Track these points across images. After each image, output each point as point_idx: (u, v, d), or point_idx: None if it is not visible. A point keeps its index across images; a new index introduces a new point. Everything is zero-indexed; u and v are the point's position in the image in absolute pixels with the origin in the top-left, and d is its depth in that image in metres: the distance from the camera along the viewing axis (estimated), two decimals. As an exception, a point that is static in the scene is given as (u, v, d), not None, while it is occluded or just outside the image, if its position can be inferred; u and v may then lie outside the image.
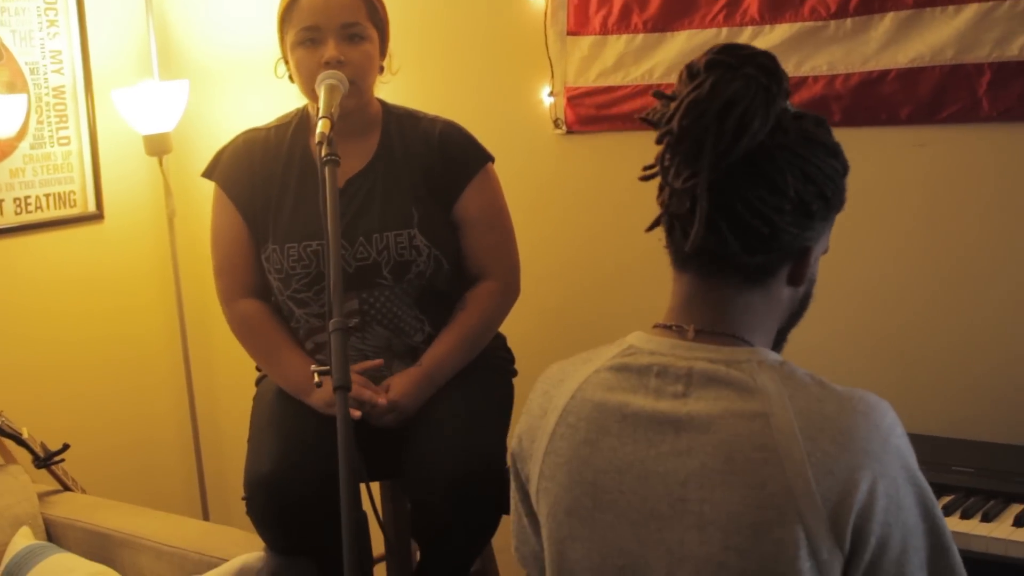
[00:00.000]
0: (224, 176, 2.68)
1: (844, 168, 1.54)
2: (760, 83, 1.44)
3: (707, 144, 1.44)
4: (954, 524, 2.24)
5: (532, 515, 1.67)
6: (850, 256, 2.78)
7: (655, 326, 1.59)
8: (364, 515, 2.59)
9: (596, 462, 1.54)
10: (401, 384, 2.55)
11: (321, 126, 2.27)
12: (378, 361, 2.54)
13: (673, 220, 1.52)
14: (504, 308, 2.72)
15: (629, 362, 1.56)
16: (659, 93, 1.53)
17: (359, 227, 2.56)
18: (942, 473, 2.40)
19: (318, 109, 2.41)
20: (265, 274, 2.66)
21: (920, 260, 2.75)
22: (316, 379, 2.32)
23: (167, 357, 3.90)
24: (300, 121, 2.68)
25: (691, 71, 1.49)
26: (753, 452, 1.42)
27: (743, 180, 1.46)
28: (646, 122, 1.55)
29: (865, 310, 2.81)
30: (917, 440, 2.42)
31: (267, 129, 2.71)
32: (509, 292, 2.73)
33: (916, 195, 2.72)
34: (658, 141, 1.51)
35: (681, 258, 1.55)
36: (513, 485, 1.72)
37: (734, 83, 1.44)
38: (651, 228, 1.59)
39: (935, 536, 1.46)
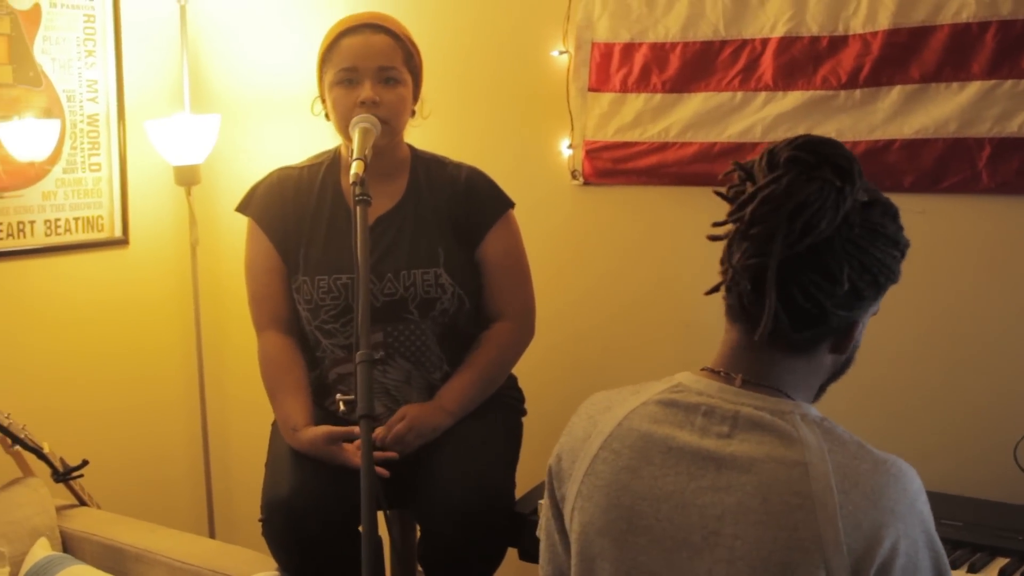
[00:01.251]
0: (258, 210, 2.79)
1: (902, 253, 1.63)
2: (834, 186, 1.51)
3: (777, 238, 1.52)
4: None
5: (563, 532, 1.75)
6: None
7: (703, 369, 1.68)
8: (380, 540, 2.68)
9: (636, 488, 1.62)
10: (413, 413, 2.65)
11: (355, 167, 2.37)
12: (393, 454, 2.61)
13: (732, 284, 1.60)
14: (519, 348, 2.83)
15: (678, 398, 1.65)
16: (739, 165, 1.61)
17: (387, 264, 2.67)
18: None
19: (351, 149, 2.53)
20: (295, 304, 2.77)
21: (914, 320, 2.84)
22: (341, 406, 2.44)
23: (182, 380, 3.98)
24: (332, 161, 2.79)
25: (772, 162, 1.56)
26: (790, 497, 1.50)
27: (801, 266, 1.54)
28: (722, 196, 1.63)
29: (872, 372, 2.86)
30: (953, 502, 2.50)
31: (300, 168, 2.82)
32: (524, 333, 2.83)
33: (916, 260, 2.80)
34: (732, 218, 1.58)
35: (734, 314, 1.64)
36: (547, 502, 1.79)
37: (810, 185, 1.51)
38: (710, 292, 1.66)
39: None
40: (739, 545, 1.52)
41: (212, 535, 3.91)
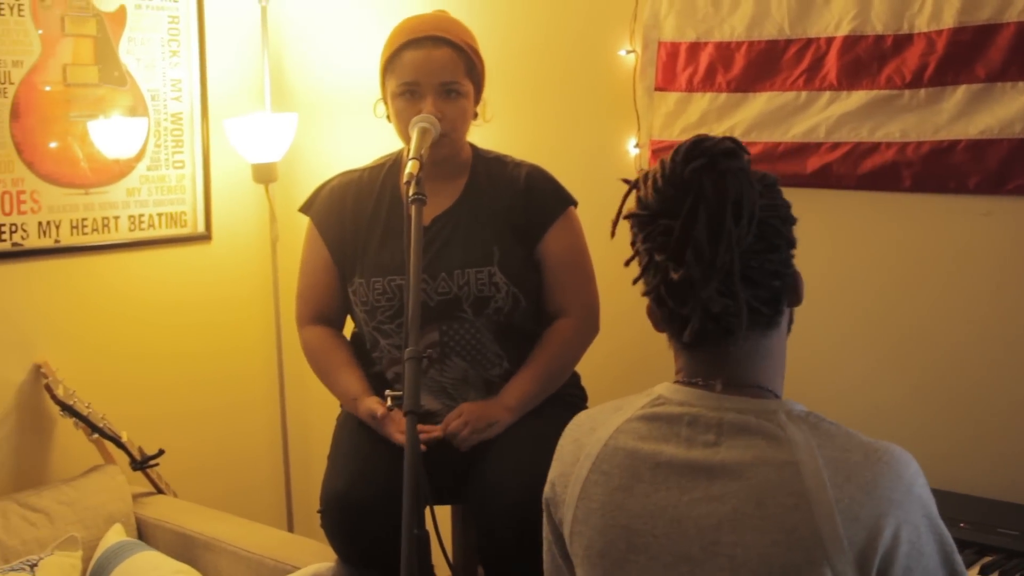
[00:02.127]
0: (318, 213, 2.86)
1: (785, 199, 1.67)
2: (733, 168, 1.56)
3: (732, 247, 1.54)
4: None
5: (566, 557, 1.76)
6: (916, 317, 2.86)
7: (677, 380, 1.68)
8: (427, 534, 2.71)
9: (630, 507, 1.62)
10: (469, 409, 2.68)
11: (410, 167, 2.39)
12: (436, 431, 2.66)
13: (686, 320, 1.60)
14: (582, 345, 2.84)
15: (659, 412, 1.65)
16: (630, 182, 1.69)
17: (442, 263, 2.70)
18: (987, 534, 2.47)
19: (406, 151, 2.57)
20: (340, 305, 2.84)
21: (983, 324, 2.80)
22: (388, 402, 2.47)
23: (263, 374, 4.06)
24: (394, 164, 2.83)
25: (675, 183, 1.58)
26: (784, 498, 1.50)
27: (754, 253, 1.58)
28: (628, 217, 1.68)
29: (929, 371, 2.87)
30: (966, 501, 2.50)
31: (362, 171, 2.87)
32: (588, 330, 2.84)
33: (981, 262, 2.78)
34: (672, 262, 1.58)
35: (690, 341, 1.63)
36: (546, 528, 1.81)
37: (733, 184, 1.55)
38: (662, 330, 1.69)
39: None
40: (740, 553, 1.52)
41: (290, 527, 3.99)
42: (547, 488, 1.79)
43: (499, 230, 2.74)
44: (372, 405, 2.66)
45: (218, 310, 3.91)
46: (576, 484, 1.69)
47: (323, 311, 2.87)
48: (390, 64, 2.74)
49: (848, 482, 1.50)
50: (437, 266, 2.69)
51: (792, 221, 1.63)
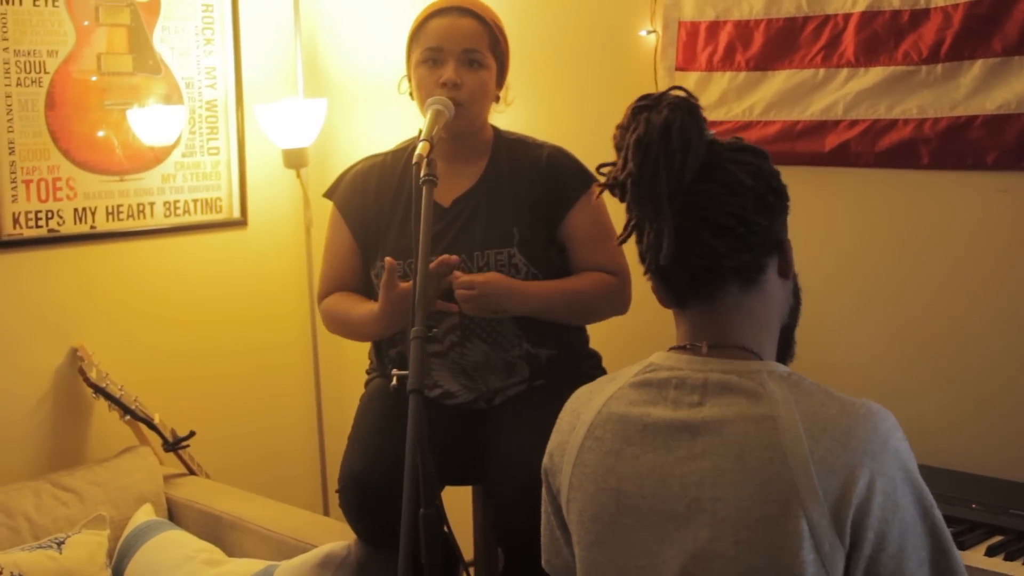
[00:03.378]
0: (341, 197, 2.88)
1: (776, 169, 1.70)
2: (682, 107, 1.63)
3: (661, 169, 1.59)
4: (1006, 567, 2.28)
5: (564, 527, 1.79)
6: (933, 294, 2.83)
7: (671, 348, 1.72)
8: (436, 512, 2.72)
9: (620, 470, 1.65)
10: (495, 279, 2.65)
11: (420, 148, 2.38)
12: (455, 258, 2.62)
13: (658, 255, 1.66)
14: (613, 297, 2.79)
15: (650, 378, 1.69)
16: (602, 164, 1.73)
17: (461, 244, 2.70)
18: (997, 515, 2.45)
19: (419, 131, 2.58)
20: (362, 288, 2.85)
21: (1001, 301, 2.76)
22: (395, 381, 2.48)
23: (299, 359, 4.10)
24: (413, 147, 2.85)
25: (622, 126, 1.68)
26: (761, 451, 1.53)
27: (706, 192, 1.62)
28: (606, 187, 1.71)
29: (946, 349, 2.84)
30: (977, 481, 2.48)
31: (385, 154, 2.88)
32: (620, 288, 2.79)
33: (999, 238, 2.74)
34: (621, 192, 1.67)
35: (679, 296, 1.70)
36: (545, 498, 1.84)
37: (662, 114, 1.62)
38: (646, 272, 1.74)
39: (935, 538, 1.55)
40: (720, 508, 1.55)
41: (326, 511, 4.02)
42: (546, 458, 1.82)
43: (519, 211, 2.74)
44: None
45: (253, 294, 3.96)
46: (572, 452, 1.73)
47: (344, 288, 2.89)
48: (416, 35, 2.77)
49: (824, 434, 1.52)
50: (457, 248, 2.69)
51: (768, 179, 1.67)
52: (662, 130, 1.60)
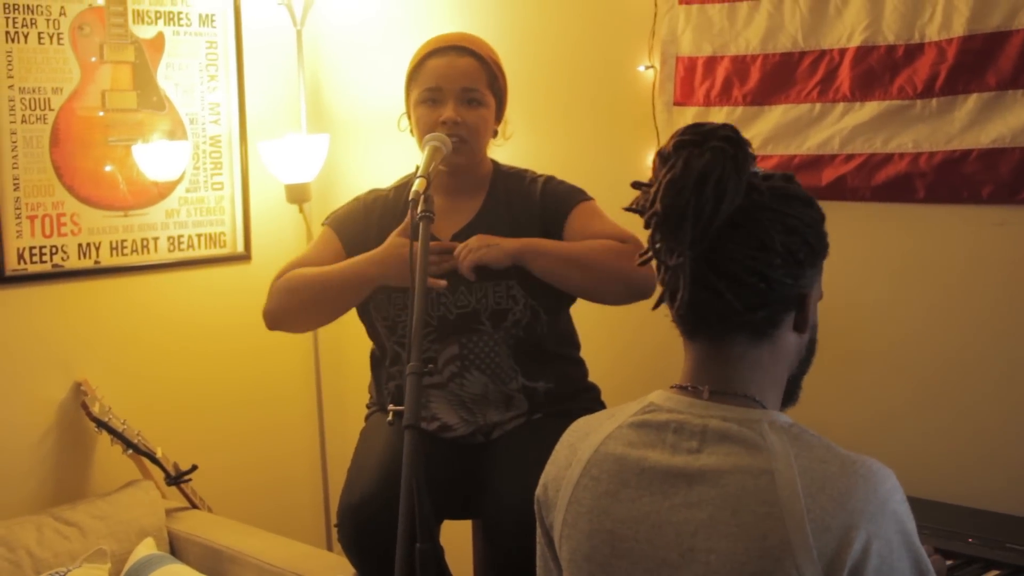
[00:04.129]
0: (337, 219, 2.90)
1: (821, 215, 1.64)
2: (727, 152, 1.54)
3: (690, 216, 1.53)
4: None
5: (556, 560, 1.77)
6: (928, 327, 2.84)
7: (672, 386, 1.69)
8: (442, 549, 2.73)
9: (616, 512, 1.63)
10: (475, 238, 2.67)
11: (417, 184, 2.39)
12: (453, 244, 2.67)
13: (675, 296, 1.61)
14: (626, 265, 2.65)
15: (649, 419, 1.66)
16: (637, 183, 1.65)
17: (460, 277, 2.69)
18: (994, 549, 2.43)
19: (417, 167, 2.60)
20: None
21: (996, 334, 2.76)
22: (390, 417, 2.49)
23: (302, 394, 4.11)
24: (410, 182, 2.86)
25: (663, 156, 1.60)
26: (758, 506, 1.50)
27: (733, 243, 1.56)
28: (632, 211, 1.66)
29: (941, 382, 2.84)
30: (974, 515, 2.47)
31: (388, 191, 2.90)
32: (630, 252, 2.65)
33: (994, 272, 2.75)
34: (646, 225, 1.61)
35: (690, 329, 1.66)
36: (539, 530, 1.83)
37: (703, 157, 1.54)
38: (656, 306, 1.69)
39: None
40: (713, 559, 1.52)
41: (330, 546, 4.02)
42: (539, 489, 1.81)
43: None
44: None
45: (257, 329, 3.90)
46: (567, 488, 1.71)
47: None
48: (414, 74, 2.79)
49: (821, 492, 1.49)
50: (456, 280, 2.70)
51: (805, 232, 1.60)
52: (699, 178, 1.54)
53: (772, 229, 1.56)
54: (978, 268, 2.77)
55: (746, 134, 2.96)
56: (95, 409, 3.30)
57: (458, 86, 2.72)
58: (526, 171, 2.89)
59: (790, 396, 1.72)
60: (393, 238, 2.69)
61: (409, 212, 2.35)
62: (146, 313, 3.69)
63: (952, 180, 2.76)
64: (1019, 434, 2.73)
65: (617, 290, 2.71)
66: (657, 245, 1.61)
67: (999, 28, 2.67)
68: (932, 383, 2.84)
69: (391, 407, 2.50)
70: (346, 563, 2.82)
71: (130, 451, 3.34)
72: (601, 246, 2.69)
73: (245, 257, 3.94)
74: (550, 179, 2.85)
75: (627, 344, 2.84)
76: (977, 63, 2.71)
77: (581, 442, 1.73)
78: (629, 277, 2.66)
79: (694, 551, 1.54)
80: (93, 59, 3.52)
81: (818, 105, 2.96)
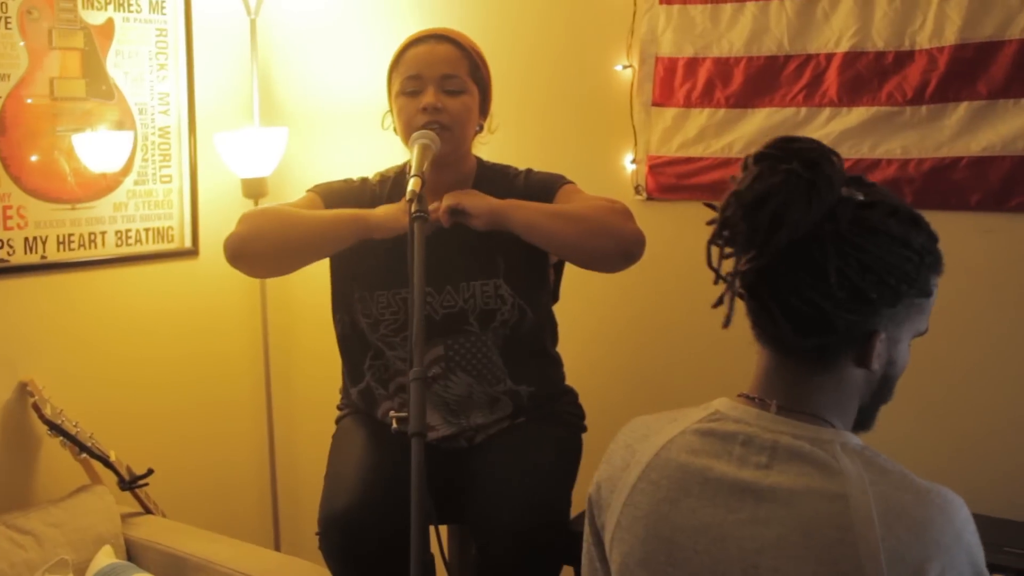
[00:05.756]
0: (327, 193, 2.78)
1: (919, 256, 1.56)
2: (800, 178, 1.49)
3: (741, 236, 1.51)
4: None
5: (604, 561, 1.74)
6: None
7: (739, 395, 1.66)
8: (432, 558, 2.68)
9: (675, 520, 1.60)
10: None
11: (412, 184, 2.34)
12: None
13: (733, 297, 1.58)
14: (609, 215, 2.59)
15: (715, 427, 1.62)
16: (734, 178, 1.58)
17: (446, 276, 2.65)
18: (994, 553, 2.43)
19: (408, 165, 2.53)
20: None
21: (984, 341, 2.80)
22: (394, 424, 2.43)
23: (249, 390, 4.02)
24: (398, 176, 2.79)
25: (744, 163, 1.56)
26: (830, 531, 1.47)
27: (791, 268, 1.52)
28: (712, 207, 1.60)
29: (930, 389, 2.86)
30: (978, 520, 2.49)
31: (372, 183, 2.82)
32: (622, 215, 2.61)
33: (981, 279, 2.79)
34: (711, 223, 1.58)
35: (757, 334, 1.63)
36: (588, 530, 1.79)
37: (772, 178, 1.50)
38: (716, 305, 1.61)
39: None
40: None
41: (277, 546, 3.94)
42: (592, 489, 1.77)
43: (503, 241, 2.68)
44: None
45: (205, 327, 3.87)
46: (623, 490, 1.68)
47: None
48: (394, 67, 2.72)
49: (898, 521, 1.46)
50: (442, 279, 2.65)
51: (888, 270, 1.52)
52: (755, 202, 1.49)
53: (837, 261, 1.50)
54: (965, 274, 2.78)
55: (728, 136, 3.03)
56: (47, 411, 3.16)
57: (438, 72, 2.65)
58: (508, 167, 2.84)
59: (862, 424, 1.67)
60: (400, 205, 2.56)
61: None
62: (93, 310, 3.56)
63: (941, 187, 2.79)
64: (1011, 438, 2.77)
65: (606, 246, 2.58)
66: (720, 247, 1.57)
67: (991, 38, 2.70)
68: (919, 388, 2.84)
69: (393, 414, 2.44)
70: (319, 570, 2.77)
71: (83, 455, 3.21)
72: (587, 203, 2.62)
73: (193, 252, 3.82)
74: (531, 171, 2.81)
75: (603, 347, 2.82)
76: (969, 72, 2.74)
77: (640, 444, 1.70)
78: (619, 232, 2.57)
79: (758, 569, 1.51)
80: (41, 45, 3.35)
81: (804, 109, 2.97)
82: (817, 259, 1.50)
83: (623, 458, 1.71)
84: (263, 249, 2.69)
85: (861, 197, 1.54)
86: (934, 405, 2.84)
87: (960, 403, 2.84)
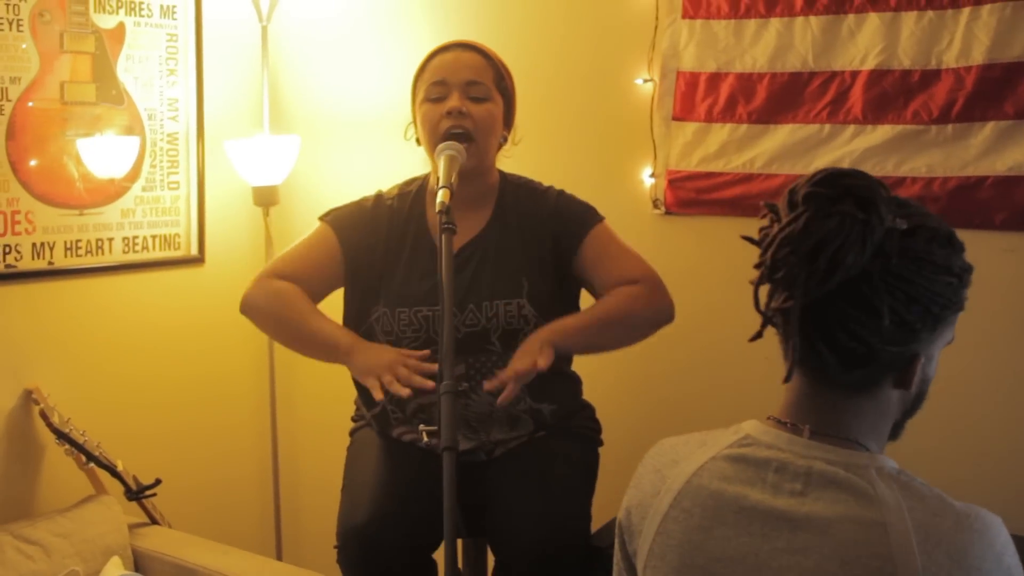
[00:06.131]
0: (338, 219, 2.78)
1: (960, 278, 1.55)
2: (856, 220, 1.45)
3: (799, 279, 1.47)
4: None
5: None
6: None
7: (769, 418, 1.63)
8: (434, 563, 2.65)
9: (709, 549, 1.57)
10: (512, 366, 2.54)
11: (441, 195, 2.31)
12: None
13: (785, 335, 1.56)
14: (649, 307, 2.66)
15: (747, 453, 1.60)
16: (768, 204, 1.56)
17: (470, 295, 2.63)
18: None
19: (435, 177, 2.50)
20: (320, 292, 2.77)
21: (1004, 360, 2.80)
22: (425, 438, 2.41)
23: (254, 399, 3.98)
24: (419, 190, 2.77)
25: (791, 200, 1.51)
26: (870, 560, 1.45)
27: (839, 304, 1.49)
28: (751, 241, 1.58)
29: (948, 408, 2.84)
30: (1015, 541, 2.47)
31: (392, 198, 2.79)
32: (651, 292, 2.67)
33: (1003, 298, 2.79)
34: (756, 266, 1.55)
35: (796, 366, 1.58)
36: (618, 555, 1.76)
37: (828, 222, 1.46)
38: (754, 339, 1.60)
39: None
40: None
41: (279, 555, 3.90)
42: (622, 514, 1.74)
43: (528, 260, 2.68)
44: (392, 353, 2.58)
45: (209, 335, 3.83)
46: (655, 517, 1.65)
47: (298, 279, 2.76)
48: (419, 74, 2.71)
49: (937, 548, 1.45)
50: (465, 298, 2.63)
51: (933, 299, 1.50)
52: (815, 247, 1.45)
53: (888, 297, 1.48)
54: (987, 293, 2.75)
55: (751, 152, 3.02)
56: (55, 419, 3.11)
57: (463, 79, 2.64)
58: (533, 182, 2.82)
59: (891, 436, 1.66)
60: (391, 351, 2.58)
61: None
62: (99, 318, 3.51)
63: (965, 206, 2.78)
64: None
65: (645, 334, 2.70)
66: (764, 282, 1.55)
67: (1020, 58, 2.70)
68: (943, 406, 2.83)
69: (422, 427, 2.42)
70: (333, 583, 2.72)
71: (90, 464, 3.16)
72: (621, 298, 2.64)
73: (199, 260, 3.78)
74: (562, 193, 2.78)
75: (619, 362, 2.79)
76: (996, 91, 2.74)
77: (669, 469, 1.67)
78: (656, 320, 2.67)
79: None
80: (52, 49, 3.31)
81: (828, 126, 2.96)
82: (867, 295, 1.48)
83: (653, 484, 1.69)
84: (262, 325, 2.87)
85: (904, 226, 1.51)
86: (957, 421, 2.83)
87: (985, 420, 2.84)
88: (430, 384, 2.42)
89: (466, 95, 2.63)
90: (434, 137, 2.61)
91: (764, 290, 1.57)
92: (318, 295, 2.77)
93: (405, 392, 2.45)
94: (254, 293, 2.78)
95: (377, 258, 2.72)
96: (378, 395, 2.48)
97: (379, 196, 2.82)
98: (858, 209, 1.46)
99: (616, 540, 1.77)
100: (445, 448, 2.01)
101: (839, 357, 1.52)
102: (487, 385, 2.53)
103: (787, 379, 1.57)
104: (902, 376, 1.55)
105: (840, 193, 1.47)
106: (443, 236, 2.24)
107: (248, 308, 2.80)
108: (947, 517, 1.47)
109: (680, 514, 1.61)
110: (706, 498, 1.60)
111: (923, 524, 1.46)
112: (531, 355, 2.51)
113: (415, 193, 2.77)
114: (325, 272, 2.76)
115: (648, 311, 2.66)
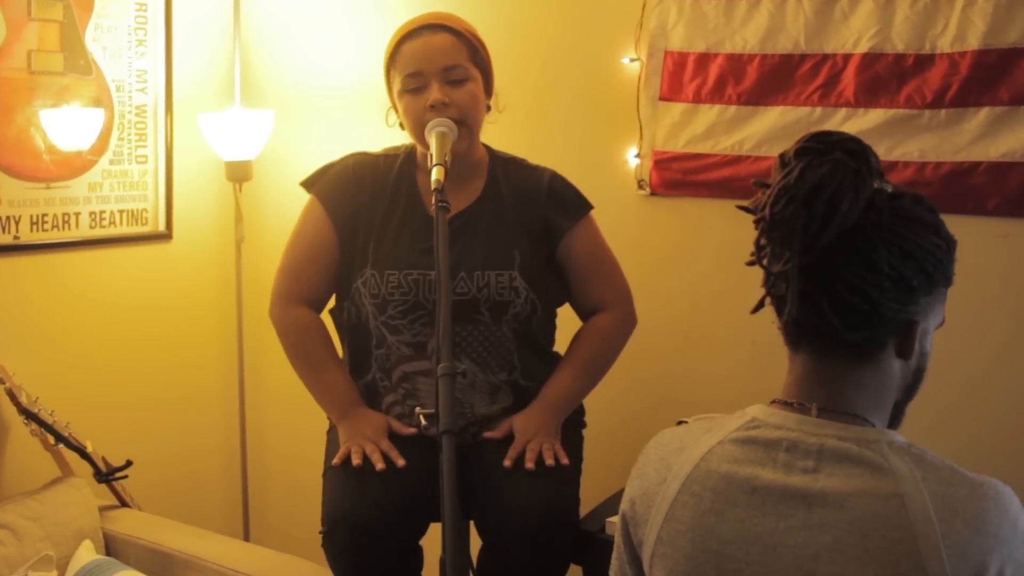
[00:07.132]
0: (325, 191, 2.73)
1: (947, 244, 1.60)
2: (848, 167, 1.50)
3: (797, 228, 1.50)
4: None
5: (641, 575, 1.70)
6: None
7: (773, 401, 1.64)
8: (470, 559, 2.60)
9: (722, 532, 1.56)
10: (524, 420, 2.61)
11: (436, 173, 2.29)
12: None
13: (778, 302, 1.59)
14: (622, 336, 2.80)
15: (755, 435, 1.60)
16: (758, 182, 1.59)
17: (461, 263, 2.60)
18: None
19: (428, 156, 2.46)
20: (328, 288, 2.74)
21: (999, 346, 2.80)
22: (421, 421, 2.37)
23: (221, 377, 3.93)
24: (408, 155, 2.72)
25: (783, 159, 1.56)
26: (889, 531, 1.46)
27: (840, 259, 1.52)
28: (745, 210, 1.61)
29: (944, 394, 2.83)
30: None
31: (377, 156, 2.75)
32: (626, 320, 2.80)
33: (996, 283, 2.79)
34: (756, 227, 1.58)
35: (793, 338, 1.61)
36: (622, 547, 1.75)
37: (821, 168, 1.50)
38: (755, 310, 1.64)
39: None
40: None
41: (246, 535, 3.85)
42: (626, 505, 1.72)
43: (520, 234, 2.66)
44: (381, 419, 2.61)
45: (177, 312, 3.75)
46: (662, 505, 1.63)
47: (312, 292, 2.74)
48: (391, 63, 2.64)
49: (955, 517, 1.46)
50: (457, 266, 2.59)
51: (923, 259, 1.54)
52: (811, 191, 1.49)
53: (885, 250, 1.52)
54: (982, 279, 2.79)
55: (740, 134, 3.00)
56: (23, 398, 3.02)
57: (439, 66, 2.58)
58: (522, 160, 2.80)
59: (893, 421, 1.68)
60: (381, 422, 2.62)
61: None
62: (65, 294, 3.43)
63: (958, 191, 2.78)
64: (1022, 443, 2.77)
65: (617, 355, 2.83)
66: (763, 250, 1.58)
67: (1015, 44, 2.70)
68: (932, 393, 2.83)
69: (419, 410, 2.38)
70: (317, 569, 2.70)
71: (58, 445, 3.07)
72: (596, 343, 2.75)
73: (166, 236, 3.69)
74: (555, 175, 2.77)
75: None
76: (991, 77, 2.73)
77: (675, 457, 1.66)
78: (625, 341, 2.81)
79: (815, 575, 1.49)
80: (19, 16, 3.20)
81: (819, 109, 2.94)
82: (864, 250, 1.52)
83: (658, 472, 1.67)
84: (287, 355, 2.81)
85: (891, 188, 1.57)
86: (948, 407, 2.83)
87: (974, 405, 2.84)
88: (400, 462, 2.51)
89: (445, 81, 2.58)
90: (420, 128, 2.57)
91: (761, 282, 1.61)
92: (332, 292, 2.76)
93: (380, 466, 2.50)
94: (278, 324, 2.77)
95: (362, 218, 2.68)
96: (356, 460, 2.52)
97: (358, 154, 2.77)
98: (849, 158, 1.51)
99: (619, 533, 1.75)
100: (443, 432, 1.98)
101: (843, 316, 1.53)
102: (488, 434, 2.63)
103: (792, 346, 1.61)
104: (903, 343, 1.58)
105: (829, 146, 1.53)
106: (438, 215, 2.22)
107: (278, 335, 2.78)
108: (962, 486, 1.49)
109: (690, 499, 1.60)
110: (716, 481, 1.59)
111: (939, 494, 1.48)
112: (543, 440, 2.60)
113: (404, 157, 2.73)
114: (331, 267, 2.72)
115: (620, 341, 2.80)
